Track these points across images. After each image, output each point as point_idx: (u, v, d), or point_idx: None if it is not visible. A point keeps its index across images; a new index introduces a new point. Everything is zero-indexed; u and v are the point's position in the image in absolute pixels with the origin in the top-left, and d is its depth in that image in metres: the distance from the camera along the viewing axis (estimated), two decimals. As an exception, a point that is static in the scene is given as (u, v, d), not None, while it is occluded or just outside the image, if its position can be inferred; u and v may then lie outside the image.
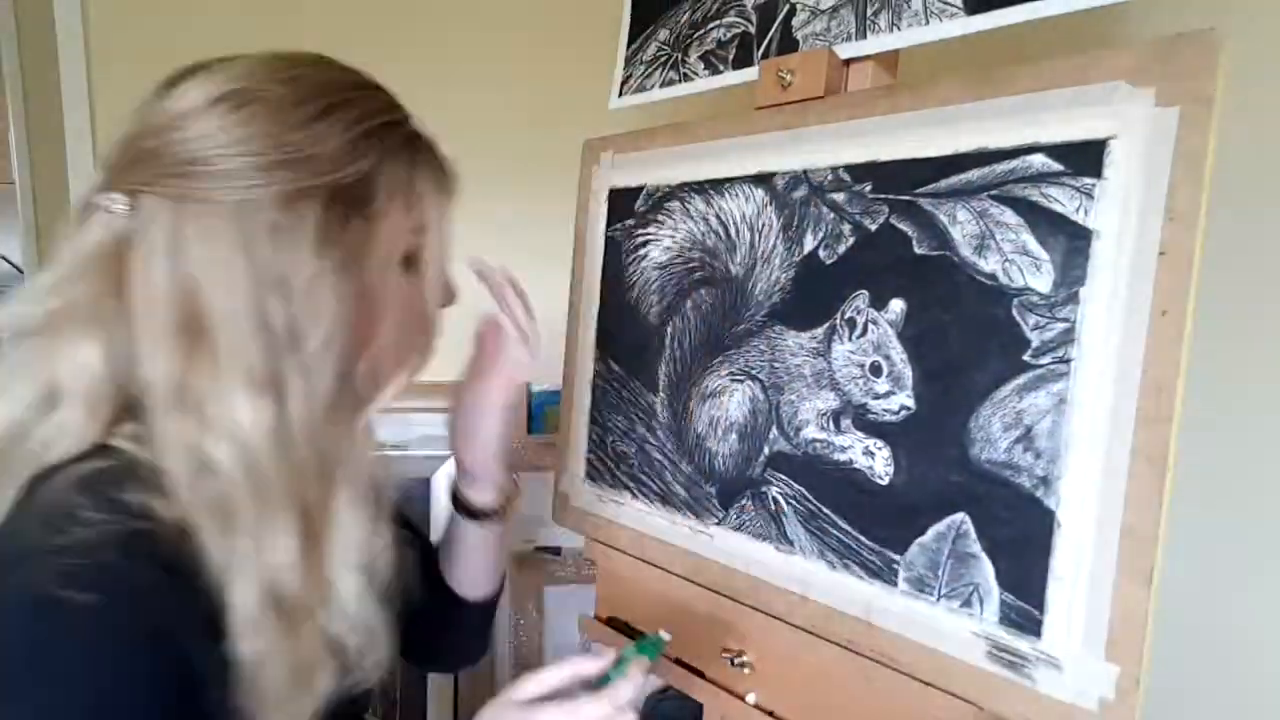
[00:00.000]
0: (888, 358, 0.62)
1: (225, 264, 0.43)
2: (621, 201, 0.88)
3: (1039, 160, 0.54)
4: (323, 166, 0.45)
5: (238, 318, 0.43)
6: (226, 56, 0.48)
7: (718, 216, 0.77)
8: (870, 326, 0.64)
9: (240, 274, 0.43)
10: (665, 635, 0.63)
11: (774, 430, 0.71)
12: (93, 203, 0.45)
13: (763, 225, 0.73)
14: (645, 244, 0.85)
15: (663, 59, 0.89)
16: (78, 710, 0.39)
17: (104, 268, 0.44)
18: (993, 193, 0.57)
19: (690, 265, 0.80)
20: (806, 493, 0.68)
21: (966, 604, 0.57)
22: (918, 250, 0.61)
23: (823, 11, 0.72)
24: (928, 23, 0.64)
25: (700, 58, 0.84)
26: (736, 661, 0.73)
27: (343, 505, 0.48)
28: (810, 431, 0.68)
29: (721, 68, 0.81)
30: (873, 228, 0.64)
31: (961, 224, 0.58)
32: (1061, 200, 0.53)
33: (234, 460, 0.43)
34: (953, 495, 0.58)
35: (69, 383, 0.44)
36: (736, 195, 0.76)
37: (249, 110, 0.44)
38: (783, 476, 0.70)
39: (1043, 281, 0.54)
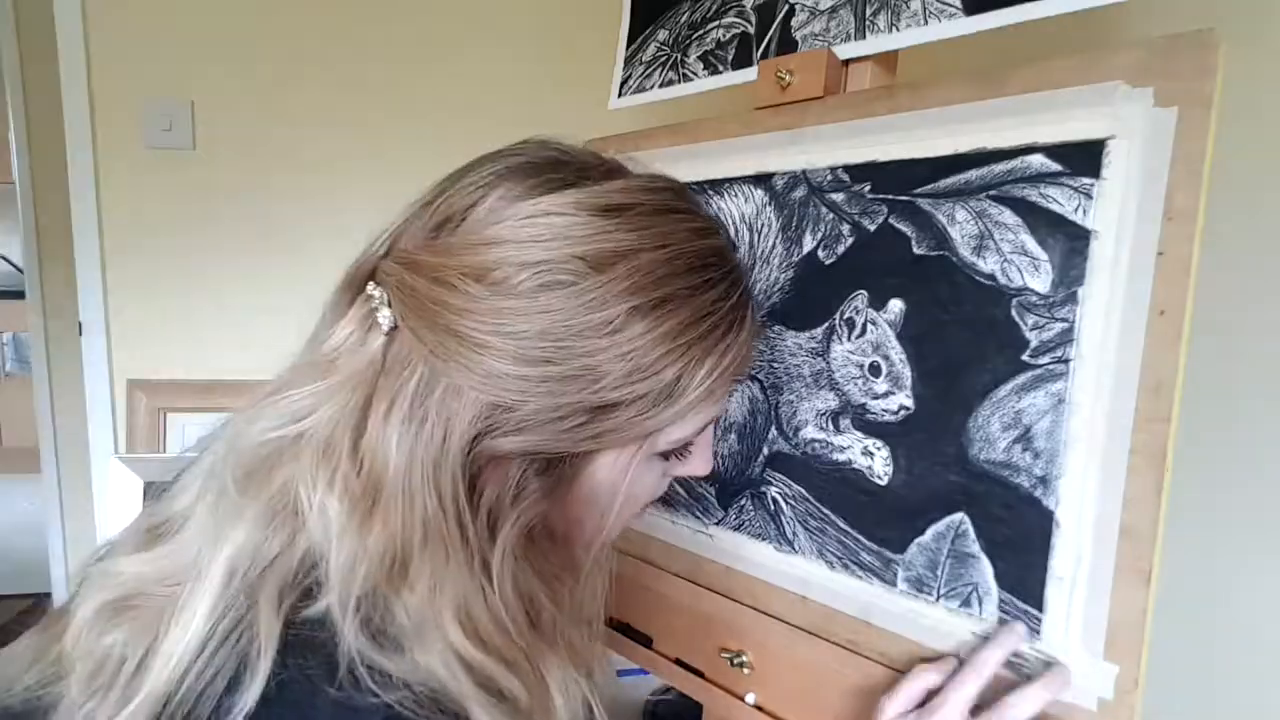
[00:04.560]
0: (886, 358, 0.62)
1: (452, 451, 0.37)
2: (621, 202, 0.88)
3: (1037, 160, 0.55)
4: (606, 383, 0.37)
5: (443, 500, 0.37)
6: (573, 163, 0.42)
7: (717, 216, 0.77)
8: (869, 326, 0.64)
9: (458, 462, 0.37)
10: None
11: (773, 430, 0.71)
12: (366, 288, 0.40)
13: (762, 225, 0.73)
14: (645, 244, 0.85)
15: (662, 59, 0.89)
16: None
17: (351, 390, 0.39)
18: (991, 193, 0.57)
19: (690, 265, 0.80)
20: (806, 493, 0.68)
21: (966, 604, 0.57)
22: (916, 250, 0.61)
23: (822, 12, 0.72)
24: (926, 23, 0.64)
25: (699, 58, 0.84)
26: (736, 661, 0.73)
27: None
28: (809, 431, 0.68)
29: (720, 68, 0.81)
30: (872, 228, 0.64)
31: (960, 224, 0.58)
32: (1060, 200, 0.53)
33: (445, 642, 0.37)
34: (952, 495, 0.58)
35: (310, 515, 0.38)
36: (735, 195, 0.76)
37: (553, 294, 0.37)
38: (782, 476, 0.70)
39: (1041, 281, 0.54)
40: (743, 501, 0.74)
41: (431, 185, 0.43)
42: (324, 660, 0.34)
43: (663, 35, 0.89)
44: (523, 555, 0.40)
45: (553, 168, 0.41)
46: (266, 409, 0.40)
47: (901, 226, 0.62)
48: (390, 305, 0.39)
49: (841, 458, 0.65)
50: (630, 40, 0.94)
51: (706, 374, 0.40)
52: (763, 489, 0.72)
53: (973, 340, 0.57)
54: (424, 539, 0.36)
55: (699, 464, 0.50)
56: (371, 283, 0.40)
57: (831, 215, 0.67)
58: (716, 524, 0.77)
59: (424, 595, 0.36)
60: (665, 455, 0.46)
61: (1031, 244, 0.54)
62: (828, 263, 0.67)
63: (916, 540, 0.60)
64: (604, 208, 0.39)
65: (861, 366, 0.64)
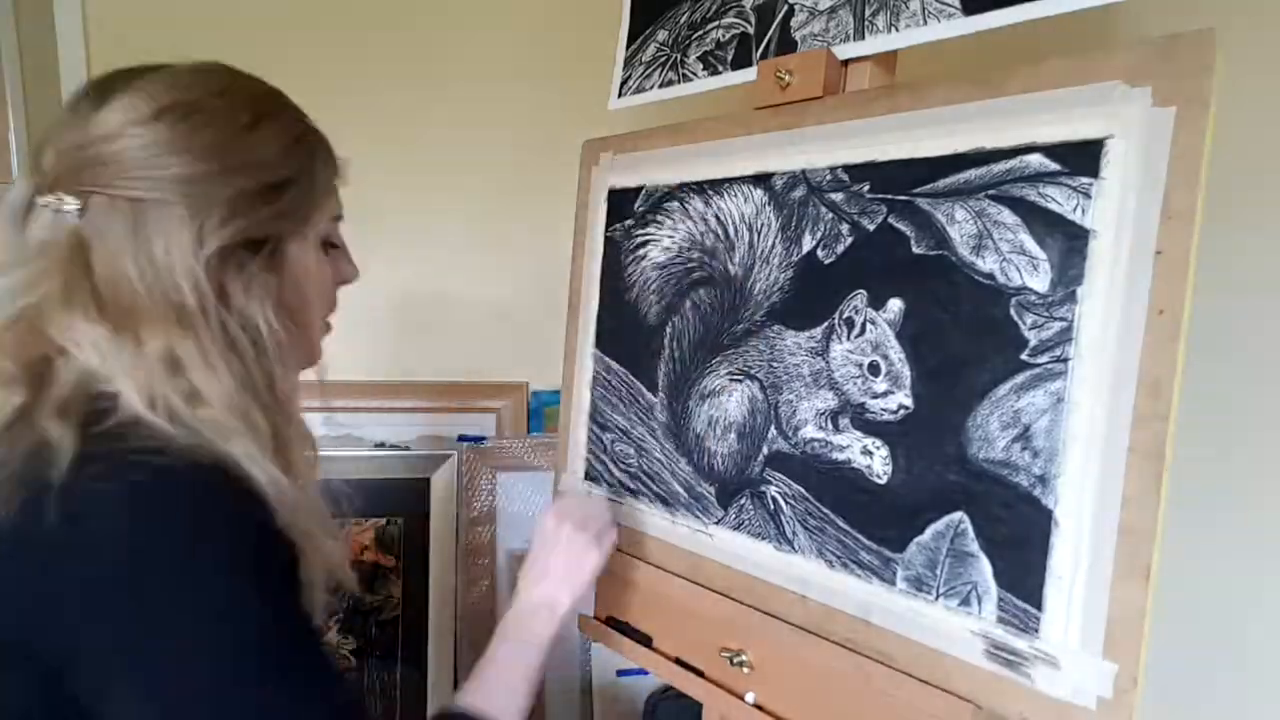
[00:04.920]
0: (886, 357, 0.62)
1: (186, 255, 0.51)
2: (621, 202, 0.89)
3: (1036, 160, 0.55)
4: (262, 170, 0.54)
5: (200, 299, 0.51)
6: (147, 66, 0.54)
7: (717, 217, 0.77)
8: (868, 326, 0.64)
9: (196, 263, 0.51)
10: None
11: (773, 430, 0.71)
12: (36, 204, 0.52)
13: (761, 225, 0.73)
14: (644, 244, 0.85)
15: (662, 60, 0.89)
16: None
17: (67, 260, 0.50)
18: (990, 192, 0.57)
19: (689, 265, 0.80)
20: (805, 492, 0.68)
21: (965, 602, 0.57)
22: (916, 250, 0.61)
23: (821, 12, 0.72)
24: (925, 23, 0.64)
25: (699, 58, 0.84)
26: (735, 661, 0.73)
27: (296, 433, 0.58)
28: (809, 431, 0.68)
29: (720, 68, 0.82)
30: (871, 227, 0.64)
31: (959, 224, 0.58)
32: (1059, 200, 0.53)
33: (220, 405, 0.51)
34: (951, 494, 0.58)
35: (79, 353, 0.50)
36: (735, 195, 0.76)
37: (193, 121, 0.51)
38: (781, 476, 0.70)
39: (1040, 281, 0.54)
40: (742, 501, 0.74)
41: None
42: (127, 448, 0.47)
43: (662, 35, 0.89)
44: (276, 333, 0.55)
45: (130, 70, 0.54)
46: None
47: (901, 226, 0.62)
48: (67, 194, 0.50)
49: (841, 457, 0.65)
50: (630, 40, 0.94)
51: (319, 172, 0.59)
52: (762, 488, 0.72)
53: (972, 339, 0.57)
54: (183, 334, 0.50)
55: (349, 267, 0.66)
56: (37, 199, 0.51)
57: (831, 215, 0.67)
58: (716, 523, 0.77)
59: (200, 377, 0.50)
60: (327, 250, 0.62)
61: (1030, 243, 0.55)
62: (827, 262, 0.67)
63: (916, 539, 0.60)
64: (190, 70, 0.54)
65: (861, 366, 0.64)
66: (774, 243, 0.72)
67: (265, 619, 0.49)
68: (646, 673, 0.89)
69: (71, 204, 0.51)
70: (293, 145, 0.57)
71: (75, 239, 0.51)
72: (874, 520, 0.63)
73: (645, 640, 0.84)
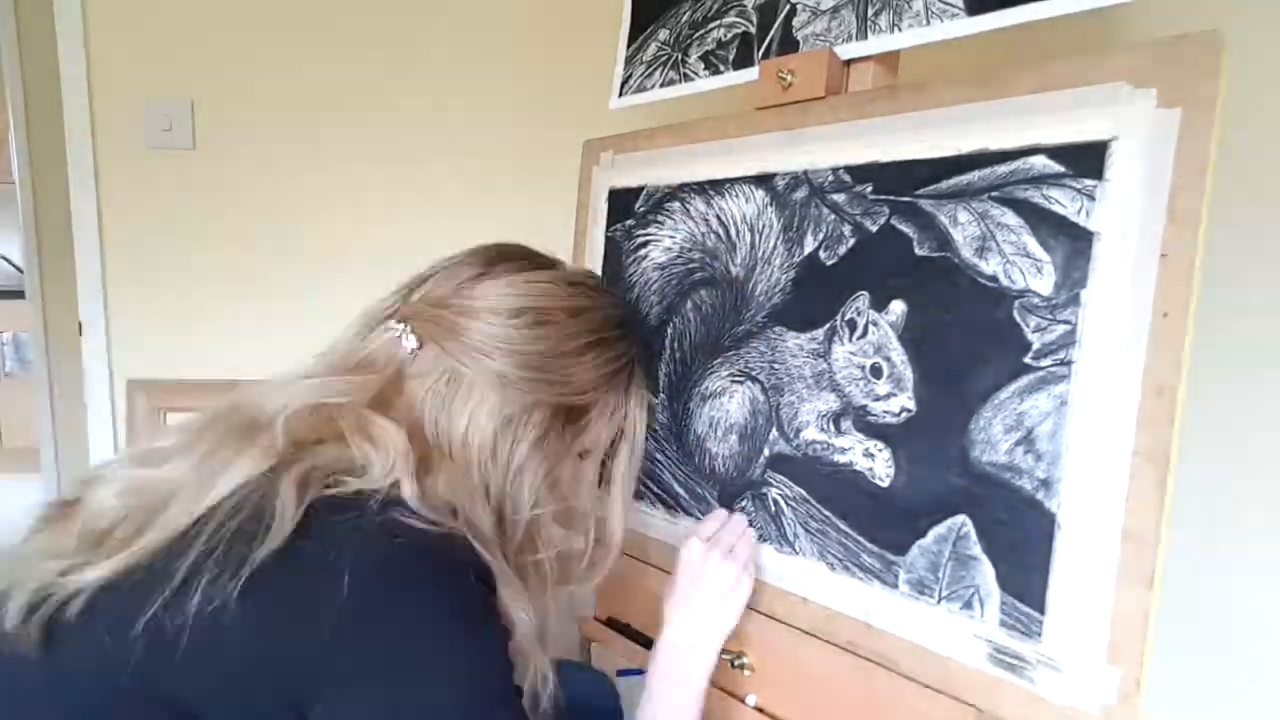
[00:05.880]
0: (888, 359, 0.62)
1: (482, 429, 0.57)
2: (621, 202, 0.88)
3: (1040, 162, 0.54)
4: (569, 389, 0.60)
5: (481, 465, 0.57)
6: (541, 255, 0.64)
7: (718, 217, 0.77)
8: (871, 328, 0.63)
9: (484, 439, 0.57)
10: None
11: (774, 431, 0.71)
12: (386, 324, 0.59)
13: (763, 226, 0.73)
14: (645, 244, 0.85)
15: (663, 59, 0.88)
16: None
17: (380, 382, 0.57)
18: (994, 194, 0.57)
19: (690, 266, 0.80)
20: (807, 494, 0.68)
21: (967, 606, 0.57)
22: (919, 251, 0.61)
23: (823, 12, 0.72)
24: (928, 23, 0.64)
25: (700, 58, 0.84)
26: (736, 663, 0.73)
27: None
28: (810, 433, 0.68)
29: (722, 68, 0.81)
30: (873, 229, 0.64)
31: (963, 225, 0.58)
32: (1063, 202, 0.53)
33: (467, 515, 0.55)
34: (953, 497, 0.58)
35: (366, 443, 0.54)
36: (737, 196, 0.75)
37: (538, 330, 0.59)
38: (783, 478, 0.70)
39: (1044, 283, 0.54)
40: (744, 503, 0.74)
41: (426, 267, 0.63)
42: (354, 512, 0.49)
43: (664, 35, 0.89)
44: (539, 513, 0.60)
45: (528, 255, 0.64)
46: (294, 386, 0.57)
47: (903, 228, 0.62)
48: (414, 334, 0.58)
49: (843, 459, 0.65)
50: (631, 40, 0.93)
51: (617, 408, 0.65)
52: (764, 490, 0.72)
53: (975, 342, 0.57)
54: (462, 473, 0.56)
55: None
56: (390, 321, 0.59)
57: (833, 216, 0.67)
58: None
59: (454, 494, 0.54)
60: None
61: (1034, 245, 0.54)
62: (829, 264, 0.67)
63: (918, 542, 0.60)
64: (568, 280, 0.63)
65: (863, 368, 0.64)
66: (776, 244, 0.71)
67: (490, 675, 0.51)
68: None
69: (411, 343, 0.58)
70: (608, 378, 0.62)
71: (400, 370, 0.58)
72: (876, 523, 0.63)
73: (645, 641, 0.83)
